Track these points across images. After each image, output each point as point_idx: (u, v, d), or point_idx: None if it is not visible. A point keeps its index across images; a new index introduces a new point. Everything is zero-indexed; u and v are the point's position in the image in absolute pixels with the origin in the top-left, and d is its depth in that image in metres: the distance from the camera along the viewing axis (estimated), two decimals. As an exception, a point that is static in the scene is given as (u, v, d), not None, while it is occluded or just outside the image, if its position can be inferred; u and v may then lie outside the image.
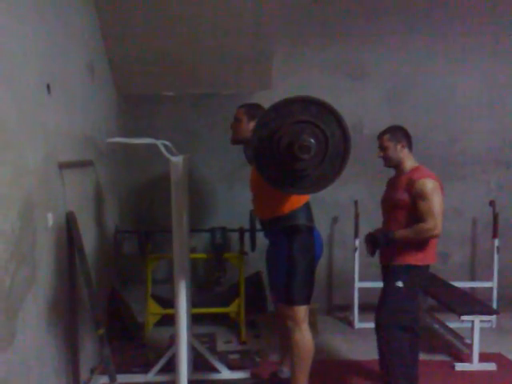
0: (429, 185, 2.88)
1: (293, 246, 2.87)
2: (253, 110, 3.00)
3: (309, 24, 4.64)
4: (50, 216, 2.61)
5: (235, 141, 3.09)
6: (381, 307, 3.04)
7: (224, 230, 4.25)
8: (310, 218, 2.97)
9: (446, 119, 4.79)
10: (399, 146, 3.02)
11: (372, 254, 3.07)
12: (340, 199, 4.71)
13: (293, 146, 2.19)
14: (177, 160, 2.80)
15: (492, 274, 4.45)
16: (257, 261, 4.59)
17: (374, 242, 2.99)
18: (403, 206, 2.97)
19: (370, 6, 4.60)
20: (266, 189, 2.57)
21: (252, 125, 2.81)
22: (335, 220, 4.79)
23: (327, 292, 4.89)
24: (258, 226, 4.13)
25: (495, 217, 4.47)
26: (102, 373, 3.36)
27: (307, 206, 2.97)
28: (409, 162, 3.05)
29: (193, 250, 3.99)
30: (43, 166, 2.55)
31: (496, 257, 4.43)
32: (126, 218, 4.58)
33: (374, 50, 4.69)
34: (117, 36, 3.98)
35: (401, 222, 2.97)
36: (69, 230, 2.89)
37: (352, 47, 4.68)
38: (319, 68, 4.69)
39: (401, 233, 2.91)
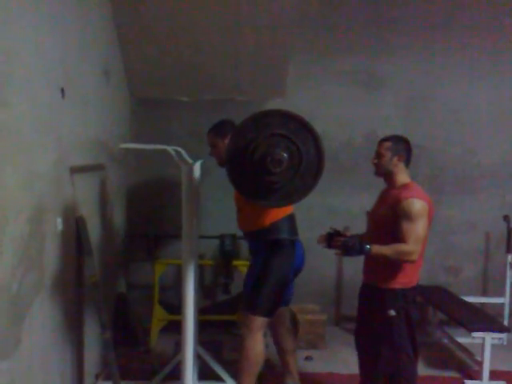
0: (416, 205, 2.63)
1: (271, 259, 2.89)
2: (221, 128, 3.05)
3: (325, 33, 4.61)
4: (59, 221, 2.60)
5: (222, 164, 3.06)
6: (379, 348, 2.81)
7: (233, 237, 4.23)
8: (292, 230, 2.97)
9: (462, 132, 4.74)
10: (395, 159, 2.78)
11: (340, 255, 2.77)
12: (352, 208, 4.67)
13: (265, 159, 2.21)
14: (188, 167, 2.78)
15: (504, 290, 4.39)
16: (266, 269, 4.57)
17: (346, 248, 2.64)
18: (386, 223, 2.75)
19: (388, 17, 4.58)
20: (246, 201, 2.61)
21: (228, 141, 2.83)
22: (347, 229, 4.72)
23: (336, 303, 4.83)
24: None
25: (509, 232, 4.40)
26: (107, 378, 3.34)
27: (290, 218, 2.97)
28: (401, 177, 2.80)
29: (201, 257, 3.97)
30: (54, 171, 2.54)
31: (509, 272, 4.37)
32: (136, 223, 4.56)
33: (391, 61, 4.66)
34: (132, 40, 3.98)
35: (381, 239, 2.71)
36: (78, 234, 2.88)
37: (368, 57, 4.65)
38: (335, 78, 4.67)
39: (378, 249, 2.62)
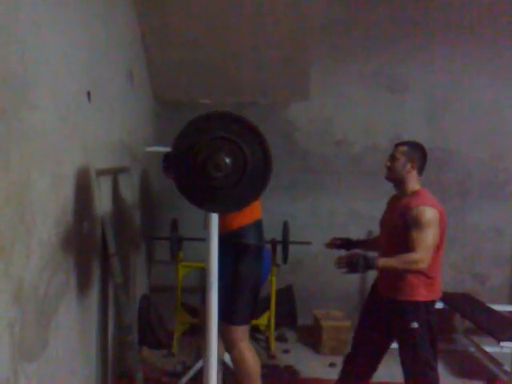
0: (427, 214, 2.58)
1: (240, 265, 2.81)
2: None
3: (349, 36, 4.57)
4: (85, 223, 2.61)
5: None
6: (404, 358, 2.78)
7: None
8: (259, 237, 2.91)
9: (489, 136, 4.65)
10: (409, 165, 2.73)
11: (347, 273, 2.64)
12: (375, 213, 4.59)
13: (206, 163, 2.10)
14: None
15: (533, 298, 4.29)
16: (288, 273, 4.54)
17: (351, 265, 2.56)
18: (397, 233, 2.69)
19: (411, 19, 4.51)
20: None
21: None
22: (370, 234, 4.68)
23: (360, 309, 4.77)
24: (292, 238, 4.09)
25: (538, 238, 4.31)
26: (130, 381, 3.34)
27: (257, 224, 2.91)
28: (411, 184, 2.75)
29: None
30: (80, 174, 2.54)
31: (538, 280, 4.27)
32: (159, 225, 4.57)
33: (415, 63, 4.60)
34: (156, 43, 4.00)
35: (394, 250, 2.66)
36: (103, 236, 2.89)
37: (392, 60, 4.60)
38: (358, 80, 4.62)
39: (384, 262, 2.58)
